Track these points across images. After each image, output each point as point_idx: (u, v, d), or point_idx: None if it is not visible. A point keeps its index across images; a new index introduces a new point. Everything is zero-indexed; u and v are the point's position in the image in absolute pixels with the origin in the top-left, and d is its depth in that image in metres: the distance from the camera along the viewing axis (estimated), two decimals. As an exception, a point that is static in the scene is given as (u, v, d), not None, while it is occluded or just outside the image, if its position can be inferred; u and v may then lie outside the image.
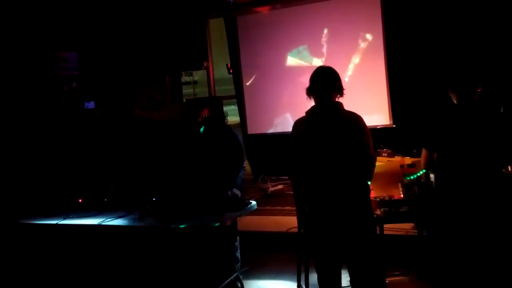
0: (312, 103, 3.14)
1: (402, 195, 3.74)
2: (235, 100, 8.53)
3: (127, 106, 6.84)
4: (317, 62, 7.55)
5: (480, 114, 2.97)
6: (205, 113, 4.33)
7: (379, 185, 3.82)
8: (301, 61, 7.72)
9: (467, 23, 6.32)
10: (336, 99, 3.08)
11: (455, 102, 3.07)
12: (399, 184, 3.79)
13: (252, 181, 7.84)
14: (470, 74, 3.03)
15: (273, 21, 7.84)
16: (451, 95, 3.09)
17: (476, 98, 3.02)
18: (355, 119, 3.04)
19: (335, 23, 7.46)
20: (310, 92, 3.09)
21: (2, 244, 4.60)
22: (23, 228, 4.35)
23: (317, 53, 7.60)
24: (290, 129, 3.19)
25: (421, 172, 3.78)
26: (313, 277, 3.28)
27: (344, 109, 3.08)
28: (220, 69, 8.90)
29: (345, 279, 3.15)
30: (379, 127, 6.89)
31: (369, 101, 7.05)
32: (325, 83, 3.04)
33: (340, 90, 3.07)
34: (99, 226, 3.82)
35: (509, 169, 3.69)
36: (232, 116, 9.20)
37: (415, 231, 4.41)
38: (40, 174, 5.70)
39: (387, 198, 3.72)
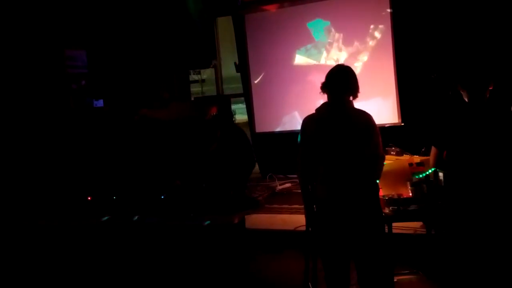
0: (321, 100, 3.14)
1: (410, 194, 3.73)
2: (243, 98, 8.53)
3: (135, 104, 6.85)
4: (325, 60, 7.54)
5: (491, 113, 2.95)
6: (214, 111, 4.33)
7: (388, 184, 3.81)
8: (309, 59, 7.71)
9: (477, 20, 6.27)
10: (349, 99, 3.06)
11: (466, 100, 3.05)
12: (408, 183, 3.77)
13: (260, 179, 7.84)
14: (482, 72, 3.01)
15: (281, 19, 7.83)
16: (462, 93, 3.07)
17: (487, 96, 3.00)
18: (365, 117, 3.03)
19: (343, 21, 7.44)
20: (323, 87, 3.08)
21: (9, 243, 4.64)
22: (31, 226, 4.38)
23: (325, 51, 7.57)
24: (298, 127, 3.18)
25: (430, 171, 3.76)
26: (321, 276, 3.27)
27: (354, 107, 3.06)
28: (228, 67, 8.90)
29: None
30: (388, 125, 6.86)
31: (377, 99, 7.02)
32: (339, 81, 3.04)
33: (353, 91, 3.05)
34: (107, 224, 3.83)
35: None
36: (240, 115, 9.20)
37: (424, 230, 4.39)
38: (49, 172, 5.72)
39: (395, 197, 3.70)
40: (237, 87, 8.86)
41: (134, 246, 4.56)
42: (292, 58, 7.82)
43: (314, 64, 7.64)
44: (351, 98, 3.06)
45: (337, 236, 3.00)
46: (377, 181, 3.10)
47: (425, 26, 6.63)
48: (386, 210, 3.59)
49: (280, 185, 7.21)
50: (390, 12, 7.03)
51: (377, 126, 3.06)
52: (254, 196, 5.94)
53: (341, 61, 7.19)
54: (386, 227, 3.54)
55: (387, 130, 6.52)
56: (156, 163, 4.48)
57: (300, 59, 7.78)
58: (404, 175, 3.89)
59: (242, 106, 8.72)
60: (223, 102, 7.46)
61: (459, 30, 6.39)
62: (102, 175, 4.62)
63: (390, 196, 3.70)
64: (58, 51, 6.46)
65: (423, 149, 4.34)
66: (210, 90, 9.72)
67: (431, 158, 3.16)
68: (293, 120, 7.75)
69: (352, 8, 7.34)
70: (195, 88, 9.87)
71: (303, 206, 3.23)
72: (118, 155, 4.55)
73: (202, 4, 8.23)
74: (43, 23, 6.22)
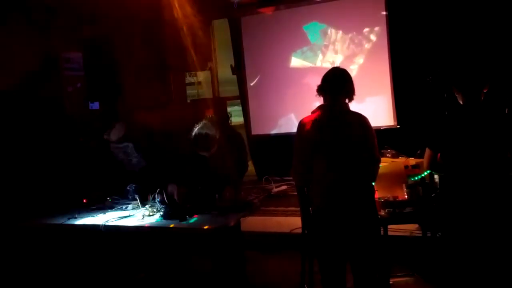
0: (317, 103, 3.14)
1: (406, 196, 3.73)
2: (239, 100, 8.54)
3: (130, 107, 6.84)
4: (321, 63, 7.56)
5: (486, 115, 2.96)
6: (209, 113, 4.32)
7: (383, 186, 3.81)
8: (305, 61, 7.72)
9: (472, 23, 6.30)
10: (345, 102, 3.07)
11: (461, 102, 3.07)
12: (404, 185, 3.77)
13: (255, 181, 7.84)
14: (477, 75, 3.03)
15: (277, 22, 7.84)
16: (457, 95, 3.08)
17: (482, 99, 3.01)
18: (361, 120, 3.04)
19: (339, 24, 7.47)
20: (320, 90, 3.09)
21: (9, 245, 4.62)
22: (27, 229, 4.36)
23: (321, 54, 7.60)
24: (294, 129, 3.19)
25: (425, 173, 3.77)
26: (317, 278, 3.28)
27: (350, 110, 3.07)
28: (224, 70, 8.90)
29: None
30: (383, 127, 6.88)
31: (373, 101, 7.04)
32: (335, 84, 3.05)
33: (349, 94, 3.06)
34: (103, 226, 3.82)
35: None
36: (236, 117, 9.20)
37: (420, 232, 4.40)
38: (44, 175, 5.70)
39: (391, 199, 3.70)
40: (233, 90, 8.87)
41: (130, 249, 4.55)
42: (288, 60, 7.84)
43: (310, 67, 7.66)
44: (347, 100, 3.07)
45: (333, 239, 3.00)
46: (373, 184, 3.11)
47: (421, 28, 6.65)
48: (382, 213, 3.59)
49: (276, 187, 7.21)
50: (386, 15, 7.06)
51: (373, 128, 3.07)
52: (250, 199, 5.93)
53: (337, 64, 7.21)
54: (382, 229, 3.55)
55: (382, 132, 6.53)
56: (151, 165, 4.48)
57: (296, 62, 7.80)
58: (399, 178, 3.89)
59: (238, 108, 8.73)
60: (219, 104, 7.51)
61: (454, 33, 6.42)
62: (97, 178, 4.61)
63: (385, 198, 3.71)
64: (54, 53, 6.44)
65: (418, 152, 4.35)
66: (206, 92, 9.72)
67: (425, 160, 3.17)
68: (289, 123, 7.76)
69: (348, 11, 7.37)
70: (191, 91, 9.87)
71: (299, 209, 3.24)
72: (113, 157, 4.54)
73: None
74: (40, 24, 6.20)
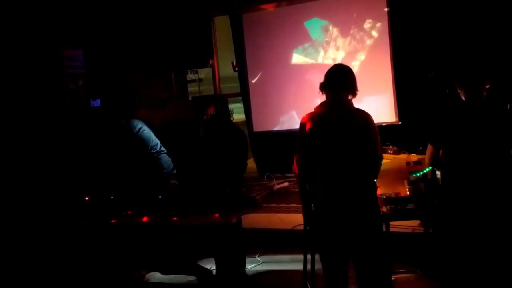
0: (319, 100, 3.14)
1: (408, 192, 3.73)
2: (240, 98, 8.53)
3: (132, 104, 6.83)
4: (323, 59, 7.54)
5: (488, 111, 2.96)
6: (211, 110, 4.32)
7: (385, 183, 3.81)
8: (307, 58, 7.71)
9: (475, 18, 6.28)
10: (348, 98, 3.07)
11: (463, 98, 3.06)
12: (405, 181, 3.77)
13: (257, 178, 7.84)
14: (479, 71, 3.02)
15: (278, 19, 7.83)
16: (459, 91, 3.08)
17: (484, 95, 3.01)
18: (364, 117, 3.03)
19: (341, 20, 7.45)
20: (322, 87, 3.09)
21: (8, 243, 4.63)
22: (28, 227, 4.38)
23: (323, 50, 7.58)
24: (295, 126, 3.18)
25: (427, 169, 3.76)
26: (319, 275, 3.28)
27: (353, 106, 3.07)
28: (225, 67, 8.89)
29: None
30: (385, 124, 6.86)
31: (375, 98, 7.03)
32: (338, 80, 3.04)
33: (352, 90, 3.05)
34: (105, 224, 3.83)
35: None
36: (238, 114, 9.19)
37: (421, 228, 4.40)
38: (46, 173, 5.71)
39: (393, 195, 3.70)
40: (235, 87, 8.86)
41: (131, 246, 4.56)
42: (289, 57, 7.82)
43: (312, 63, 7.65)
44: (350, 97, 3.07)
45: (335, 235, 3.00)
46: (375, 180, 3.11)
47: (423, 24, 6.63)
48: (384, 209, 3.59)
49: (277, 184, 7.21)
50: (388, 11, 7.04)
51: (376, 125, 3.06)
52: (251, 196, 5.93)
53: (338, 60, 7.20)
54: (384, 225, 3.54)
55: (384, 128, 6.51)
56: (154, 163, 4.48)
57: (297, 58, 7.78)
58: (401, 174, 3.89)
59: (240, 105, 8.72)
60: (221, 101, 7.47)
61: (456, 29, 6.40)
62: (99, 175, 4.61)
63: (387, 195, 3.71)
64: (56, 51, 6.44)
65: (420, 148, 4.35)
66: (207, 89, 9.72)
67: (426, 156, 3.17)
68: (290, 120, 7.75)
69: (350, 7, 7.35)
70: (192, 88, 9.87)
71: (301, 205, 3.23)
72: (115, 155, 4.55)
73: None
74: (41, 22, 6.20)
